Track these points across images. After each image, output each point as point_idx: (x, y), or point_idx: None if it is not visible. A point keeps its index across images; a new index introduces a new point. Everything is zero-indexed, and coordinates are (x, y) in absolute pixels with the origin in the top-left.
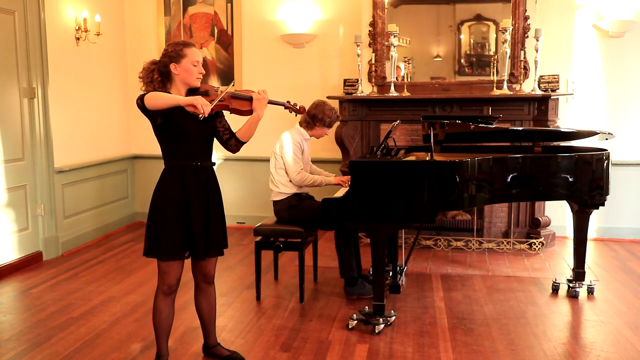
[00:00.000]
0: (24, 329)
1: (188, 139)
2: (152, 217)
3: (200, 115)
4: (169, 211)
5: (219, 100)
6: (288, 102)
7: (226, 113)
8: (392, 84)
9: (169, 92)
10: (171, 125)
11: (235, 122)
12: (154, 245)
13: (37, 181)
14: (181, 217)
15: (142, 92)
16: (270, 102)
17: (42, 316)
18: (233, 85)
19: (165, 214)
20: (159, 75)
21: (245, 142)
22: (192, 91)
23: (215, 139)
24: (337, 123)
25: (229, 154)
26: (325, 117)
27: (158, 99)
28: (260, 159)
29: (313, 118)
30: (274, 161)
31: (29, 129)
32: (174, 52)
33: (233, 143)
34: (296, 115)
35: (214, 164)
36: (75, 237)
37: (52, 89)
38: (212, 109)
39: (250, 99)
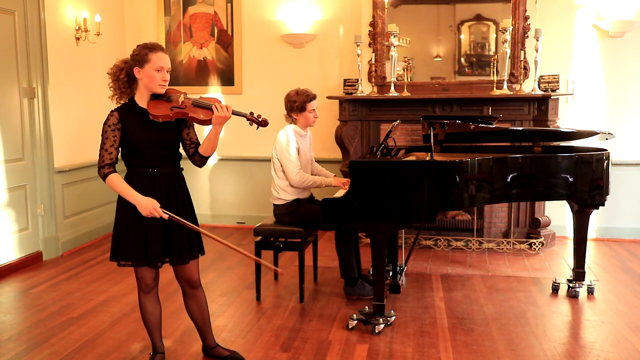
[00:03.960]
0: (24, 329)
1: (141, 146)
2: (115, 222)
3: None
4: (126, 218)
5: (179, 108)
6: (251, 113)
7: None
8: (392, 84)
9: (134, 98)
10: (125, 134)
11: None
12: (113, 251)
13: (37, 181)
14: (137, 224)
15: (110, 98)
16: (234, 113)
17: (42, 316)
18: (185, 94)
19: (123, 220)
20: (125, 75)
21: (209, 157)
22: (155, 97)
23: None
24: (314, 102)
25: (230, 153)
26: (293, 104)
27: (115, 188)
28: (260, 159)
29: (288, 111)
30: (273, 164)
31: (29, 129)
32: (138, 56)
33: (197, 159)
34: (257, 128)
35: (181, 168)
36: (75, 237)
37: (52, 89)
38: (171, 116)
39: (207, 108)
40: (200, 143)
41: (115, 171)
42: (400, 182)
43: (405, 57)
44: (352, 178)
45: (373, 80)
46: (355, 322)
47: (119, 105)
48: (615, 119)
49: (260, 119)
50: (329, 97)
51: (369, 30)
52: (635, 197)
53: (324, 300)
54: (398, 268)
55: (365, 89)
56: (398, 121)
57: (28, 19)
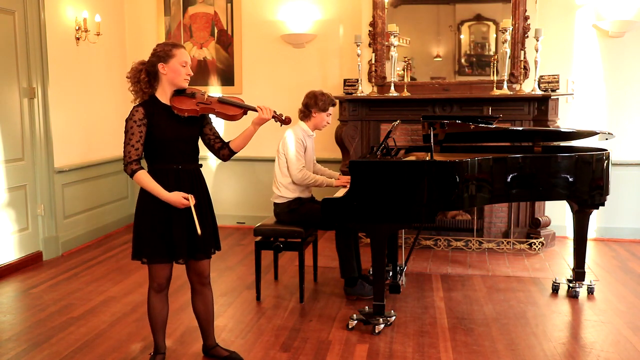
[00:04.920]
0: (24, 329)
1: (167, 143)
2: (136, 220)
3: (185, 115)
4: (150, 215)
5: (205, 104)
6: (274, 111)
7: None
8: (392, 84)
9: (155, 95)
10: (150, 130)
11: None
12: (137, 248)
13: (37, 181)
14: (162, 220)
15: (131, 97)
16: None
17: (42, 316)
18: (206, 92)
19: (147, 217)
20: (146, 75)
21: (236, 153)
22: (178, 92)
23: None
24: (334, 109)
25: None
26: (318, 101)
27: (143, 184)
28: (260, 159)
29: (307, 106)
30: (278, 160)
31: (29, 129)
32: (162, 52)
33: (226, 153)
34: (281, 125)
35: (200, 165)
36: (75, 237)
37: (52, 89)
38: (197, 111)
39: (237, 106)
40: (223, 139)
41: (142, 167)
42: (400, 182)
43: (405, 57)
44: (352, 178)
45: (373, 80)
46: (355, 322)
47: (143, 102)
48: (615, 119)
49: (284, 118)
50: None
51: (369, 30)
52: (635, 197)
53: (324, 300)
54: (398, 268)
55: (365, 89)
56: (398, 121)
57: (28, 19)
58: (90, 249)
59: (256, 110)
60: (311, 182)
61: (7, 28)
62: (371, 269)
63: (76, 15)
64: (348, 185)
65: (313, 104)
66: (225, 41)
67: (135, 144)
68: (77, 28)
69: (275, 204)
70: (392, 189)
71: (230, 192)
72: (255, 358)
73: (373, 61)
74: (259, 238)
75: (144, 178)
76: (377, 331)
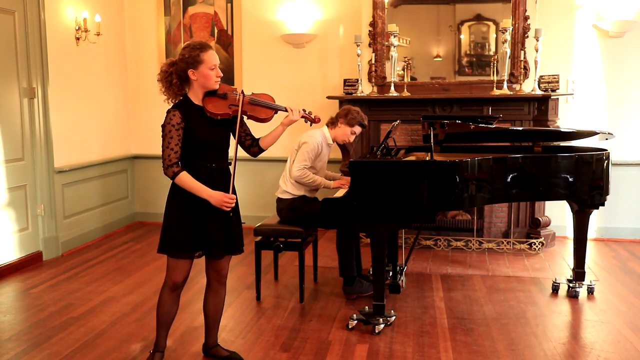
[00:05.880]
0: (24, 329)
1: (203, 143)
2: (166, 215)
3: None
4: (182, 210)
5: (236, 106)
6: (303, 110)
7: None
8: (392, 84)
9: (187, 95)
10: (188, 132)
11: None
12: (164, 242)
13: (37, 181)
14: (197, 216)
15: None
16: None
17: (42, 316)
18: (242, 91)
19: (178, 212)
20: (177, 79)
21: (265, 151)
22: (210, 93)
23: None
24: (359, 130)
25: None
26: (348, 114)
27: (186, 185)
28: (261, 159)
29: (337, 115)
30: (292, 154)
31: (29, 129)
32: (190, 58)
33: (256, 150)
34: (311, 125)
35: (230, 163)
36: (75, 237)
37: (52, 89)
38: (229, 114)
39: (268, 107)
40: (254, 136)
41: (182, 169)
42: (400, 182)
43: (405, 57)
44: (352, 178)
45: (373, 80)
46: (355, 322)
47: (174, 103)
48: (615, 119)
49: (313, 117)
50: (329, 97)
51: (369, 30)
52: (635, 197)
53: (324, 300)
54: (398, 268)
55: (365, 89)
56: (398, 121)
57: (28, 19)
58: (90, 249)
59: (286, 111)
60: (309, 181)
61: (7, 28)
62: (371, 269)
63: (76, 15)
64: (346, 186)
65: (343, 115)
66: (225, 41)
67: (174, 147)
68: (77, 28)
69: (278, 199)
70: (392, 189)
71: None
72: (255, 358)
73: (373, 61)
74: (259, 238)
75: (186, 179)
76: (377, 331)
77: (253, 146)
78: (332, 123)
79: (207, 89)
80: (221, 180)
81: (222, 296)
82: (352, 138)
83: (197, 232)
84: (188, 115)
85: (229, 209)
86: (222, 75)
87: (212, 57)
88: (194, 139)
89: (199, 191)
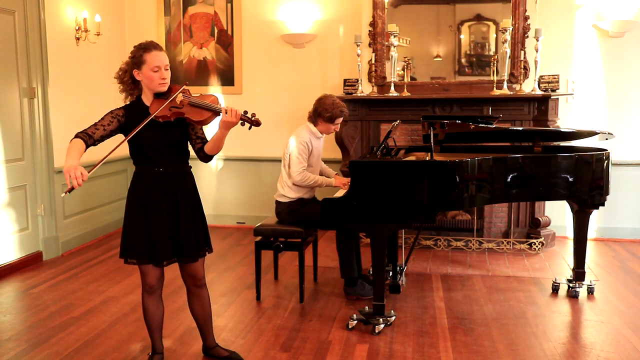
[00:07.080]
0: (24, 329)
1: (145, 146)
2: (124, 221)
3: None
4: (133, 216)
5: (177, 108)
6: (244, 112)
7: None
8: (392, 84)
9: (140, 96)
10: (128, 132)
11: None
12: (122, 248)
13: (37, 181)
14: (144, 222)
15: (124, 100)
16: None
17: (42, 316)
18: (187, 84)
19: (130, 218)
20: (129, 77)
21: (214, 156)
22: (158, 95)
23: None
24: (341, 119)
25: (230, 153)
26: (324, 112)
27: (68, 148)
28: (261, 159)
29: (314, 112)
30: (284, 159)
31: (29, 129)
32: (135, 58)
33: (202, 155)
34: (250, 128)
35: (190, 167)
36: (75, 237)
37: (52, 89)
38: (169, 117)
39: (207, 109)
40: (207, 139)
41: (81, 139)
42: (400, 182)
43: (405, 57)
44: (352, 178)
45: (373, 80)
46: (355, 322)
47: (130, 102)
48: (615, 119)
49: (253, 119)
50: None
51: (369, 30)
52: (635, 197)
53: (324, 300)
54: (398, 268)
55: (365, 89)
56: (398, 121)
57: (28, 19)
58: (90, 249)
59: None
60: (311, 183)
61: (7, 28)
62: (371, 269)
63: (76, 15)
64: (347, 187)
65: (320, 113)
66: (225, 41)
67: (98, 125)
68: (77, 28)
69: (277, 202)
70: (392, 189)
71: (231, 191)
72: (255, 358)
73: (373, 61)
74: (259, 238)
75: (71, 144)
76: (377, 331)
77: (201, 150)
78: (311, 119)
79: (153, 91)
80: (172, 184)
81: (205, 298)
82: (337, 127)
83: (148, 237)
84: (134, 115)
85: (71, 185)
86: (167, 77)
87: (154, 58)
88: (135, 140)
89: (66, 156)
